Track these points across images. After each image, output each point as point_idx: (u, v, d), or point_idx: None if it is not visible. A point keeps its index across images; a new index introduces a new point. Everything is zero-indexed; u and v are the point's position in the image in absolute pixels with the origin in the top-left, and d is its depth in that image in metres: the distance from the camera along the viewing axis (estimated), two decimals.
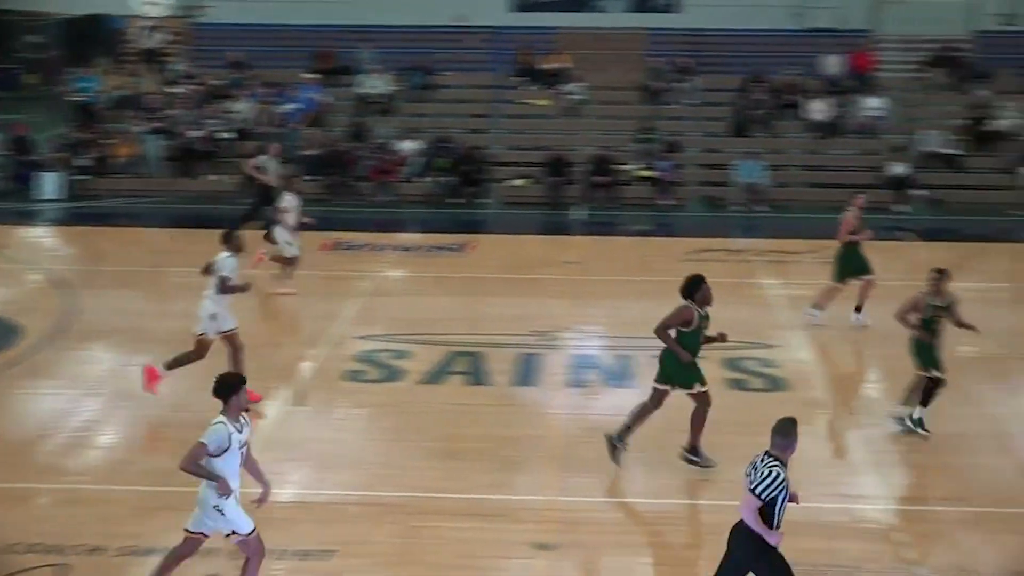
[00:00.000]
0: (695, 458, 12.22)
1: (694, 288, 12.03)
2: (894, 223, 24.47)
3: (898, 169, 25.70)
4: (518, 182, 27.04)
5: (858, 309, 17.12)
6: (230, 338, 13.68)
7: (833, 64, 29.72)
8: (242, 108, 28.78)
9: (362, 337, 16.50)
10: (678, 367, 12.07)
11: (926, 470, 12.45)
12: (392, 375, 15.00)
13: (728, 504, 11.33)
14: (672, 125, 28.33)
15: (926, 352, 13.11)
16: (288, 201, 18.71)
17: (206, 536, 8.98)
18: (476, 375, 15.06)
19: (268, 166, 22.09)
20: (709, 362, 15.38)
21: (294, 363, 15.50)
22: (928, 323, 13.11)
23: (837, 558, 10.34)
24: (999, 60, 31.25)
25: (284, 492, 11.39)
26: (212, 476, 8.69)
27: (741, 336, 16.53)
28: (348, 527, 10.89)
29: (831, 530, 11.01)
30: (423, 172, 26.84)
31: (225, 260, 13.48)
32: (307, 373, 14.96)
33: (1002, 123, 27.32)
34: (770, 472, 8.16)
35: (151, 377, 13.80)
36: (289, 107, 28.82)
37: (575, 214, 25.20)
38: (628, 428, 12.29)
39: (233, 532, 8.89)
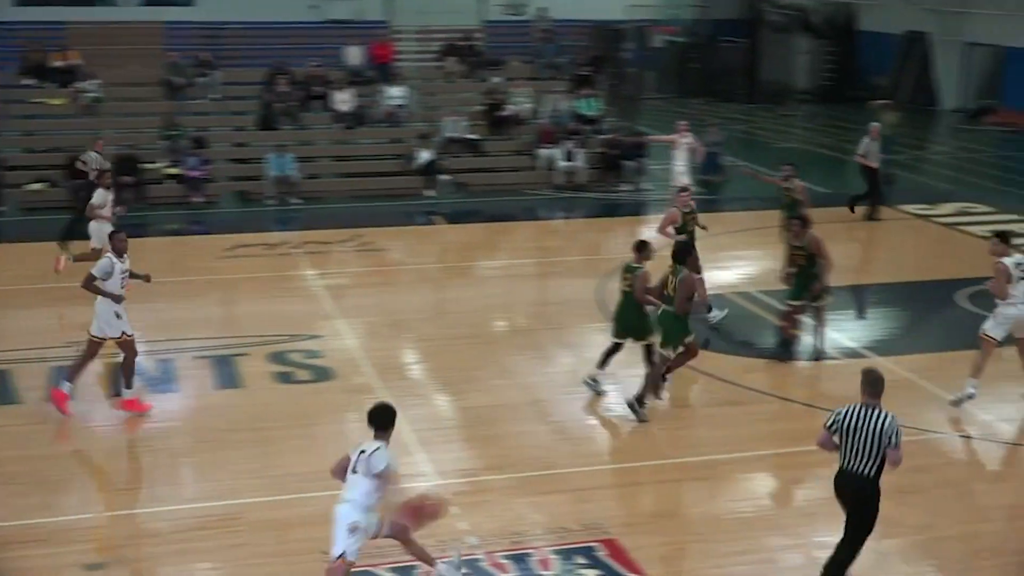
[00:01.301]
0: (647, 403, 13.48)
1: (687, 254, 13.51)
2: (425, 208, 25.26)
3: (424, 156, 26.50)
4: (36, 186, 25.46)
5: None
6: (96, 344, 13.42)
7: (354, 55, 30.16)
8: None
9: None
10: (675, 330, 13.32)
11: (471, 442, 12.91)
12: None
13: (282, 499, 11.32)
14: (197, 121, 27.67)
15: (644, 320, 13.81)
16: (100, 196, 18.37)
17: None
18: (2, 394, 14.05)
19: (91, 160, 21.52)
20: (253, 358, 15.31)
21: None
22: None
23: None
24: (508, 48, 33.01)
25: None
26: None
27: (285, 329, 16.53)
28: None
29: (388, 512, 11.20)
30: None
31: (101, 260, 13.35)
32: None
33: (515, 108, 28.83)
34: (895, 422, 9.14)
35: (132, 406, 13.46)
36: None
37: None
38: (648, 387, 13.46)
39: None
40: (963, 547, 10.46)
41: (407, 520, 9.48)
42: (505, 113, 28.51)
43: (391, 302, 18.52)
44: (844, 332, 16.58)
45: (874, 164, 23.71)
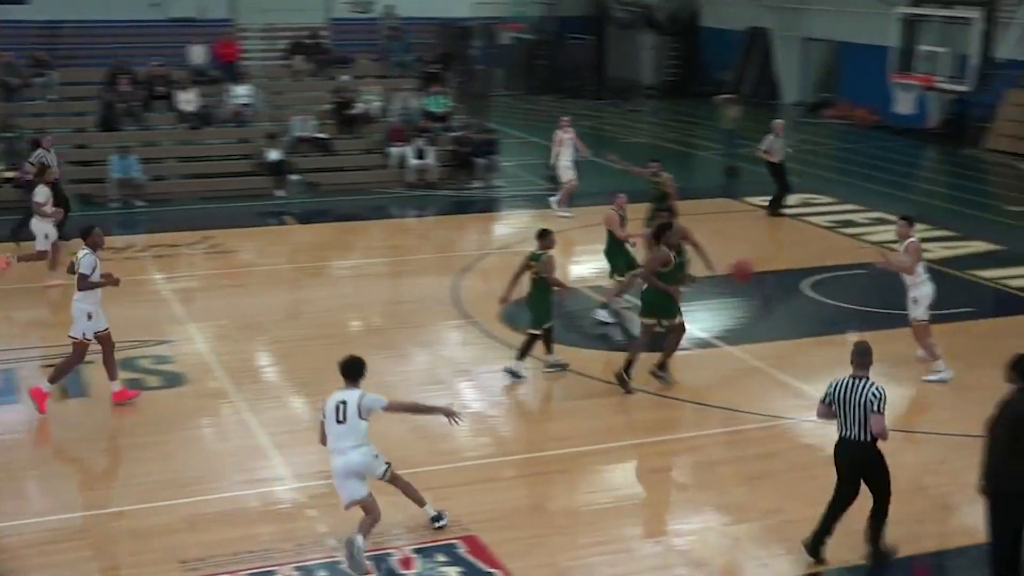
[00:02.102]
0: (662, 374, 14.26)
1: (662, 232, 14.26)
2: (275, 208, 24.93)
3: (273, 155, 26.16)
4: None
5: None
6: (104, 338, 13.50)
7: (198, 54, 29.58)
8: None
9: None
10: (661, 303, 14.00)
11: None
12: None
13: (136, 508, 11.07)
14: (35, 122, 26.80)
15: (548, 308, 14.53)
16: (42, 193, 18.77)
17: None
18: None
19: (47, 159, 21.31)
20: (101, 366, 14.86)
21: None
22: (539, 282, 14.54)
23: (253, 544, 10.39)
24: (356, 46, 32.79)
25: None
26: None
27: (134, 335, 16.16)
28: None
29: (246, 517, 11.04)
30: None
31: (84, 257, 13.28)
32: None
33: (364, 106, 28.64)
34: (879, 389, 9.61)
35: (39, 397, 13.29)
36: None
37: None
38: (630, 363, 14.07)
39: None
40: (812, 529, 10.75)
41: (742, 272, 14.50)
42: (354, 112, 28.32)
43: (243, 304, 18.23)
44: (695, 323, 16.88)
45: (777, 159, 24.06)
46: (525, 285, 14.61)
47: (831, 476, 12.01)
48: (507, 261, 20.96)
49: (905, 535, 10.67)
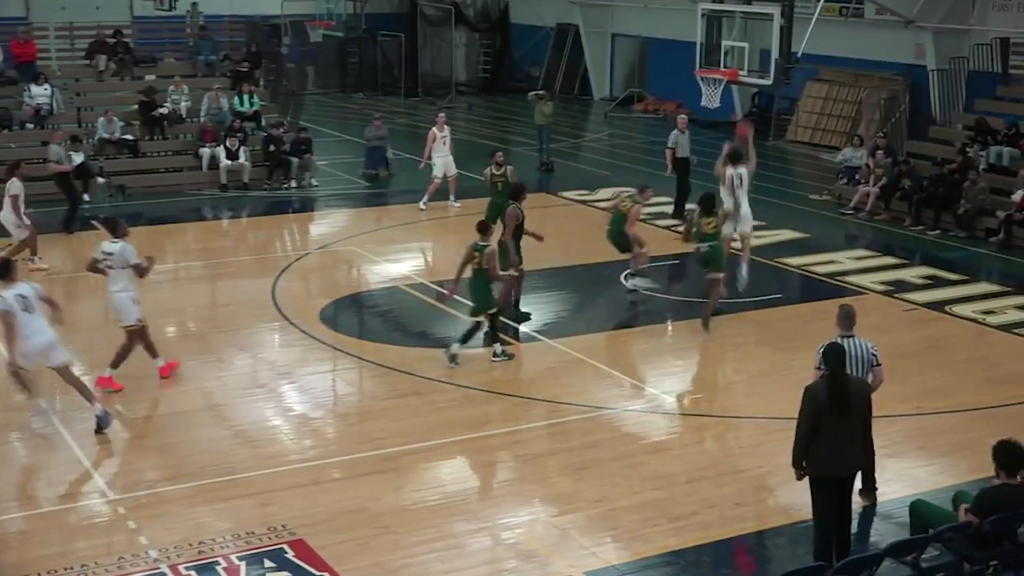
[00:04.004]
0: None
1: (712, 204, 16.43)
2: (81, 213, 24.07)
3: (78, 158, 25.27)
4: None
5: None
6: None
7: None
8: None
9: None
10: (719, 259, 16.43)
11: (147, 454, 12.47)
12: None
13: None
14: None
15: (489, 296, 15.17)
16: (16, 186, 19.52)
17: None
18: None
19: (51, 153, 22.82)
20: None
21: None
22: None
23: (72, 560, 10.05)
24: (162, 44, 32.00)
25: None
26: None
27: None
28: None
29: (62, 532, 10.68)
30: None
31: (126, 248, 13.88)
32: None
33: (172, 106, 27.92)
34: (874, 345, 10.42)
35: (108, 383, 13.96)
36: None
37: None
38: (707, 316, 16.26)
39: None
40: (636, 516, 10.97)
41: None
42: (162, 112, 27.60)
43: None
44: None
45: (683, 155, 24.02)
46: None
47: (654, 463, 12.34)
48: (325, 261, 20.85)
49: (724, 517, 10.98)
